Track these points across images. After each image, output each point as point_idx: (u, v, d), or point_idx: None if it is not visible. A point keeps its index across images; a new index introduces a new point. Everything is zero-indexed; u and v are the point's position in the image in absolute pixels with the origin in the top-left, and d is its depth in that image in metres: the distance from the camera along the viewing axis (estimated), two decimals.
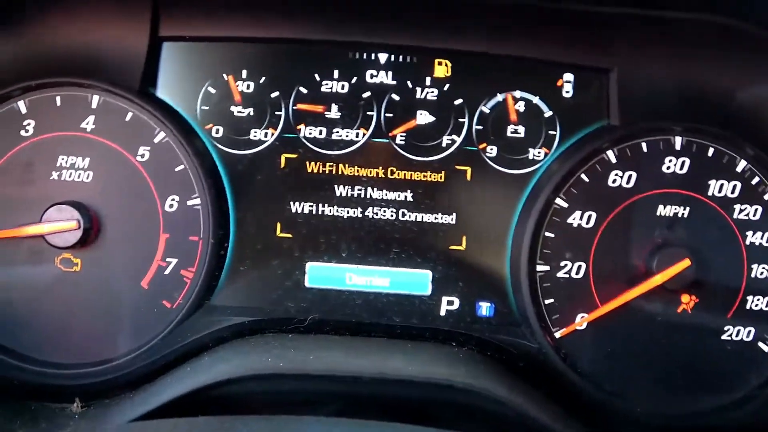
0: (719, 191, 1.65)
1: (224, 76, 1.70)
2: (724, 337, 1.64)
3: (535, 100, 1.71)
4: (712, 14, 1.65)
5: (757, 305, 1.65)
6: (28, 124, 1.64)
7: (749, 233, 1.65)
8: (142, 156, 1.64)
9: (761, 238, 1.65)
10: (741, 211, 1.65)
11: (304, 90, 1.70)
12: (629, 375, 1.64)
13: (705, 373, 1.64)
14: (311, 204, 1.70)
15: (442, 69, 1.70)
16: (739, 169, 1.65)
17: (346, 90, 1.71)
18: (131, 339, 1.64)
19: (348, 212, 1.70)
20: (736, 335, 1.65)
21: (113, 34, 1.67)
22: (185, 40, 1.70)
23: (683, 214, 1.64)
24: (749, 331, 1.65)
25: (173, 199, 1.65)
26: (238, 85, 1.70)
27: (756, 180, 1.65)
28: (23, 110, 1.63)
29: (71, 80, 1.64)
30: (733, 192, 1.65)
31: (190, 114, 1.70)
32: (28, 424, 1.52)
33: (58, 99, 1.64)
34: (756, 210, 1.65)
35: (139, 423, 1.35)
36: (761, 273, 1.65)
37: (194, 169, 1.64)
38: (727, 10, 1.64)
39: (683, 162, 1.65)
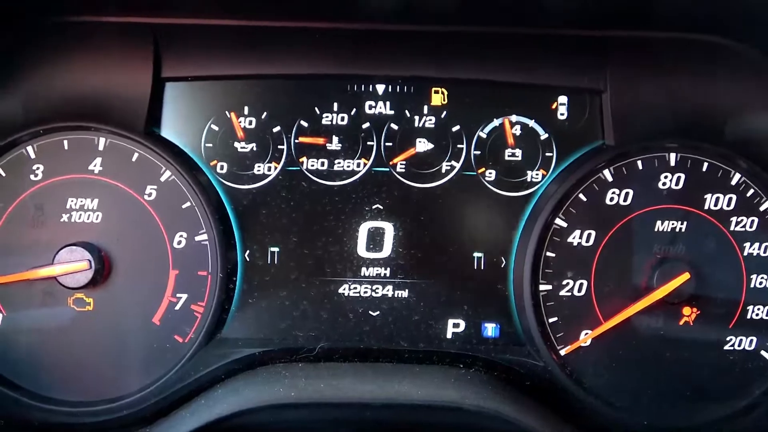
0: (715, 205, 1.68)
1: (226, 113, 1.73)
2: (726, 347, 1.67)
3: (531, 123, 1.74)
4: (700, 34, 1.71)
5: (757, 314, 1.68)
6: (37, 169, 1.67)
7: (747, 244, 1.68)
8: (150, 195, 1.68)
9: (759, 249, 1.68)
10: (738, 223, 1.68)
11: (305, 123, 1.74)
12: (635, 389, 1.67)
13: (709, 383, 1.67)
14: (316, 233, 1.73)
15: (438, 97, 1.74)
16: (733, 182, 1.68)
17: (346, 122, 1.74)
18: (145, 375, 1.67)
19: (351, 240, 1.73)
20: (739, 345, 1.67)
21: (117, 78, 1.70)
22: (187, 80, 1.74)
23: (681, 228, 1.68)
24: (751, 341, 1.67)
25: (181, 236, 1.68)
26: (240, 122, 1.73)
27: (751, 192, 1.68)
28: (32, 155, 1.67)
29: (78, 124, 1.67)
30: (728, 205, 1.68)
31: (195, 151, 1.73)
32: None
33: (65, 143, 1.67)
34: (752, 221, 1.68)
35: None
36: (760, 283, 1.68)
37: (200, 205, 1.67)
38: (715, 29, 1.70)
39: (678, 178, 1.68)
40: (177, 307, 1.68)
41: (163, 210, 1.68)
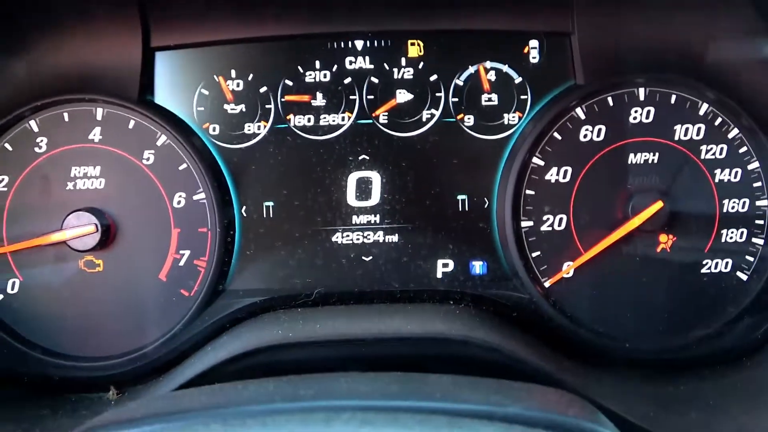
0: (685, 135, 1.74)
1: (215, 77, 1.81)
2: (703, 270, 1.74)
3: (505, 68, 1.80)
4: None
5: (731, 237, 1.74)
6: (41, 141, 1.75)
7: (717, 171, 1.74)
8: (148, 159, 1.76)
9: (729, 175, 1.74)
10: (708, 151, 1.74)
11: (289, 82, 1.81)
12: (616, 315, 1.75)
13: (688, 306, 1.74)
14: (306, 186, 1.81)
15: (415, 49, 1.81)
16: (701, 112, 1.74)
17: (328, 78, 1.81)
18: (155, 328, 1.76)
19: (340, 190, 1.81)
20: (715, 268, 1.74)
21: (109, 50, 1.78)
22: (175, 48, 1.81)
23: (653, 160, 1.74)
24: (727, 263, 1.74)
25: (180, 196, 1.76)
26: (228, 85, 1.81)
27: (719, 121, 1.74)
28: (35, 128, 1.75)
29: (76, 96, 1.75)
30: (698, 134, 1.74)
31: (188, 116, 1.81)
32: (69, 414, 1.64)
33: (65, 115, 1.76)
34: (722, 149, 1.74)
35: (163, 394, 1.46)
36: (732, 207, 1.74)
37: (196, 166, 1.75)
38: None
39: (648, 111, 1.75)
40: (181, 263, 1.77)
41: (162, 173, 1.76)
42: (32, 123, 1.76)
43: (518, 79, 1.81)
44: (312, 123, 1.81)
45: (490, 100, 1.81)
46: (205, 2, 1.79)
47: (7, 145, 1.75)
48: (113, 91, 1.76)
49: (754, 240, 1.74)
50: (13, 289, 1.76)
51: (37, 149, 1.76)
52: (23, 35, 1.77)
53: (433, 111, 1.81)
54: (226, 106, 1.81)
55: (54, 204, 1.75)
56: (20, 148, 1.76)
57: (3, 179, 1.75)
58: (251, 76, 1.81)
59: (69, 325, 1.77)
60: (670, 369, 1.72)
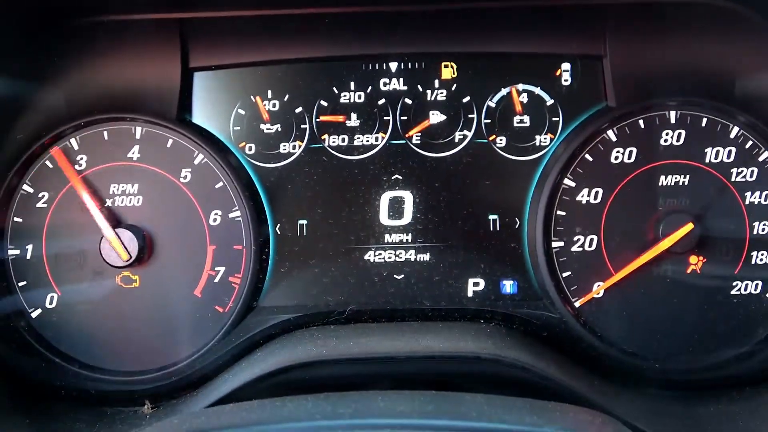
0: (716, 157, 1.76)
1: (252, 97, 1.84)
2: (733, 292, 1.75)
3: (537, 90, 1.83)
4: None
5: (762, 259, 1.75)
6: (81, 159, 1.79)
7: (748, 194, 1.75)
8: (185, 177, 1.79)
9: (760, 197, 1.75)
10: (738, 174, 1.75)
11: (324, 103, 1.84)
12: (646, 335, 1.75)
13: (717, 327, 1.74)
14: (340, 205, 1.83)
15: (448, 71, 1.84)
16: (732, 135, 1.75)
17: (362, 99, 1.84)
18: (190, 344, 1.79)
19: (373, 209, 1.84)
20: (745, 289, 1.75)
21: (149, 71, 1.82)
22: (214, 69, 1.85)
23: (684, 182, 1.76)
24: (756, 285, 1.75)
25: (216, 214, 1.79)
26: (264, 105, 1.84)
27: (750, 144, 1.75)
28: (76, 146, 1.79)
29: (116, 116, 1.79)
30: (729, 157, 1.75)
31: (224, 135, 1.84)
32: (105, 428, 1.67)
33: (105, 133, 1.79)
34: (752, 171, 1.75)
35: (203, 410, 1.48)
36: (762, 229, 1.75)
37: (232, 184, 1.78)
38: None
39: (679, 134, 1.76)
40: (216, 280, 1.79)
41: (198, 191, 1.79)
42: (72, 141, 1.79)
43: (550, 101, 1.83)
44: (346, 143, 1.84)
45: (522, 121, 1.83)
46: (243, 24, 1.82)
47: (47, 163, 1.79)
48: (152, 110, 1.80)
49: None
50: (51, 303, 1.79)
51: (77, 167, 1.79)
52: (66, 57, 1.81)
53: (465, 132, 1.83)
54: (262, 126, 1.84)
55: (92, 221, 1.77)
56: (61, 166, 1.79)
57: (43, 196, 1.78)
58: (287, 96, 1.84)
59: (105, 340, 1.80)
60: (700, 389, 1.73)
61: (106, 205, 1.79)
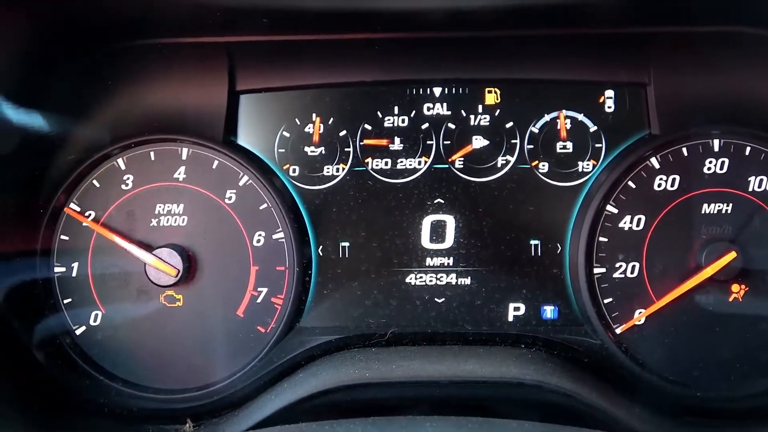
0: (759, 186, 1.75)
1: (297, 120, 1.86)
2: None
3: (580, 117, 1.84)
4: (739, 26, 1.78)
5: None
6: (128, 179, 1.81)
7: None
8: (230, 198, 1.81)
9: None
10: None
11: (368, 126, 1.85)
12: (687, 363, 1.75)
13: (759, 356, 1.73)
14: (382, 228, 1.85)
15: (491, 96, 1.85)
16: None
17: (406, 123, 1.85)
18: (231, 363, 1.80)
19: (415, 233, 1.85)
20: None
21: (196, 93, 1.84)
22: (259, 92, 1.86)
23: (726, 210, 1.75)
24: None
25: (260, 235, 1.81)
26: (309, 128, 1.86)
27: None
28: (122, 166, 1.81)
29: (163, 137, 1.81)
30: None
31: (269, 157, 1.85)
32: None
33: (152, 154, 1.81)
34: None
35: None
36: None
37: (276, 206, 1.80)
38: (754, 22, 1.77)
39: (722, 162, 1.76)
40: (258, 300, 1.81)
41: (243, 212, 1.81)
42: (120, 161, 1.82)
43: (593, 128, 1.83)
44: (389, 166, 1.85)
45: (564, 147, 1.84)
46: (289, 49, 1.84)
47: (95, 182, 1.81)
48: (199, 132, 1.82)
49: None
50: (95, 321, 1.81)
51: (123, 186, 1.81)
52: (115, 78, 1.84)
53: (508, 157, 1.84)
54: (306, 149, 1.86)
55: (138, 239, 1.80)
56: (107, 185, 1.82)
57: (90, 215, 1.81)
58: (332, 119, 1.86)
59: (148, 358, 1.82)
60: (741, 418, 1.73)
61: (151, 225, 1.81)
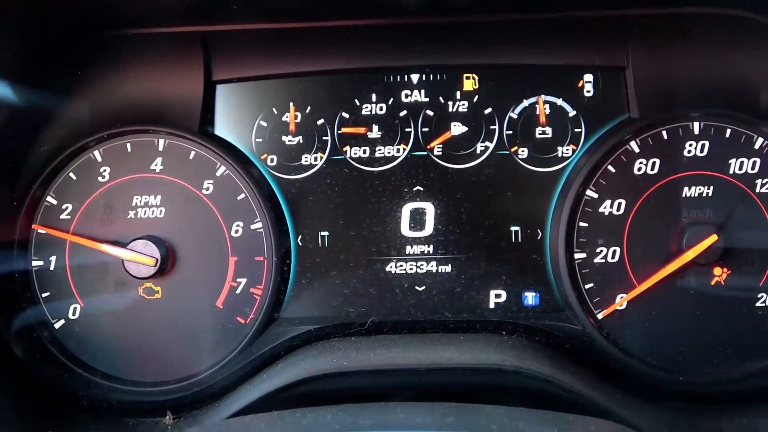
0: (740, 169, 1.74)
1: (274, 109, 1.85)
2: (758, 304, 1.73)
3: (559, 102, 1.82)
4: (718, 8, 1.76)
5: None
6: (105, 171, 1.80)
7: None
8: (207, 189, 1.80)
9: None
10: (762, 185, 1.74)
11: (346, 115, 1.84)
12: (670, 347, 1.74)
13: (742, 339, 1.73)
14: (361, 217, 1.83)
15: (470, 83, 1.84)
16: (756, 146, 1.74)
17: (384, 111, 1.84)
18: (211, 354, 1.79)
19: (394, 221, 1.84)
20: None
21: (172, 83, 1.83)
22: (236, 82, 1.85)
23: (708, 193, 1.74)
24: None
25: (238, 225, 1.80)
26: (286, 117, 1.85)
27: None
28: (99, 158, 1.80)
29: (139, 128, 1.80)
30: (753, 168, 1.74)
31: (246, 147, 1.85)
32: None
33: (128, 145, 1.80)
34: None
35: (224, 421, 1.49)
36: None
37: (254, 196, 1.79)
38: (732, 2, 1.75)
39: (703, 145, 1.75)
40: (238, 291, 1.80)
41: (220, 202, 1.80)
42: (96, 153, 1.81)
43: (572, 113, 1.82)
44: (368, 155, 1.84)
45: (544, 133, 1.82)
46: (265, 37, 1.84)
47: (71, 175, 1.81)
48: (175, 122, 1.81)
49: None
50: (74, 314, 1.80)
51: (100, 178, 1.81)
52: (90, 69, 1.83)
53: (487, 143, 1.83)
54: (284, 138, 1.85)
55: (115, 232, 1.79)
56: (84, 178, 1.81)
57: (67, 207, 1.80)
58: (309, 108, 1.85)
59: (128, 351, 1.81)
60: (724, 402, 1.71)
61: (129, 216, 1.80)
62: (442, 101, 1.84)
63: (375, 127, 1.84)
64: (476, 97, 1.84)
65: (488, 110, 1.83)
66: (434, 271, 1.83)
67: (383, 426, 1.24)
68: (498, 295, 1.82)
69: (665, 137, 1.76)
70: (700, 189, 1.75)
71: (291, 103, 1.85)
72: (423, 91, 1.84)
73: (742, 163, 1.74)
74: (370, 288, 1.83)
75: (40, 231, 1.80)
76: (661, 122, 1.76)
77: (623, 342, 1.75)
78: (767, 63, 1.79)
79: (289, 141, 1.85)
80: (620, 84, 1.82)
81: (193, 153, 1.81)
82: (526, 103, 1.83)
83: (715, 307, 1.74)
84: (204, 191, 1.80)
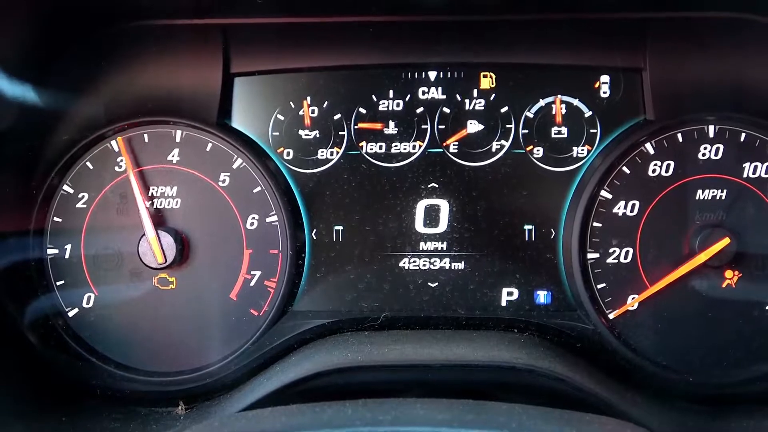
0: (753, 172, 1.75)
1: (291, 103, 1.85)
2: None
3: (576, 102, 1.83)
4: (735, 12, 1.78)
5: None
6: (121, 161, 1.80)
7: None
8: (223, 181, 1.81)
9: None
10: None
11: (363, 110, 1.85)
12: (681, 349, 1.75)
13: (752, 342, 1.74)
14: (376, 212, 1.84)
15: (487, 81, 1.84)
16: None
17: (401, 107, 1.85)
18: (225, 346, 1.80)
19: (409, 217, 1.85)
20: None
21: (191, 75, 1.83)
22: (254, 75, 1.86)
23: (721, 196, 1.76)
24: None
25: (253, 218, 1.81)
26: (302, 111, 1.85)
27: None
28: (116, 148, 1.81)
29: (157, 119, 1.81)
30: (766, 172, 1.75)
31: (263, 140, 1.85)
32: (140, 428, 1.68)
33: (146, 136, 1.81)
34: None
35: (243, 413, 1.49)
36: None
37: (270, 189, 1.80)
38: (748, 6, 1.76)
39: (717, 148, 1.76)
40: (252, 284, 1.81)
41: (236, 195, 1.81)
42: (113, 143, 1.81)
43: (588, 113, 1.83)
44: (384, 150, 1.85)
45: (559, 132, 1.83)
46: (284, 31, 1.84)
47: (88, 164, 1.81)
48: (193, 114, 1.81)
49: None
50: (88, 303, 1.81)
51: (117, 168, 1.81)
52: (109, 60, 1.83)
53: (502, 142, 1.84)
54: (300, 132, 1.85)
55: (131, 222, 1.80)
56: (101, 167, 1.82)
57: (83, 197, 1.81)
58: (326, 103, 1.85)
59: (141, 341, 1.82)
60: (733, 404, 1.72)
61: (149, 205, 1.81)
62: (459, 99, 1.85)
63: (391, 123, 1.85)
64: (493, 95, 1.84)
65: (504, 109, 1.84)
66: (447, 267, 1.84)
67: (403, 421, 1.25)
68: (510, 293, 1.83)
69: (680, 140, 1.77)
70: (713, 192, 1.76)
71: (308, 98, 1.85)
72: (440, 89, 1.85)
73: (756, 167, 1.75)
74: (383, 283, 1.84)
75: (56, 219, 1.80)
76: (676, 125, 1.77)
77: (634, 342, 1.76)
78: None
79: (305, 135, 1.85)
80: (637, 86, 1.82)
81: (210, 145, 1.81)
82: (542, 102, 1.84)
83: (726, 309, 1.75)
84: (220, 183, 1.81)
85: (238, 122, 1.86)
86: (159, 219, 1.80)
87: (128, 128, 1.81)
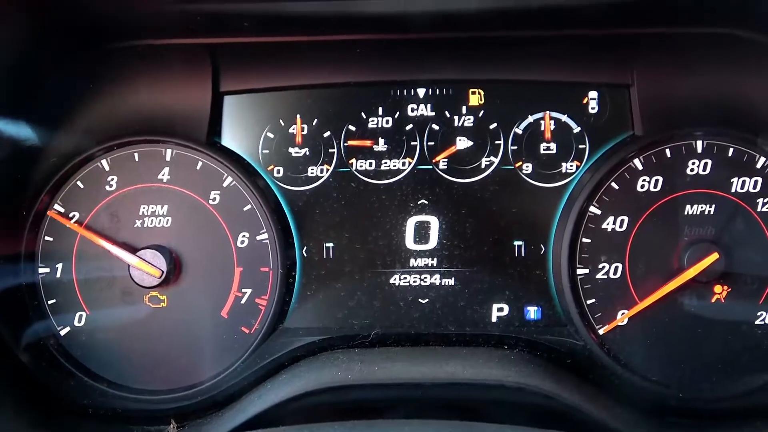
0: (742, 187, 1.76)
1: (281, 121, 1.86)
2: (757, 322, 1.74)
3: (564, 118, 1.84)
4: (722, 28, 1.78)
5: None
6: (112, 180, 1.81)
7: None
8: (214, 199, 1.81)
9: None
10: (764, 204, 1.75)
11: (352, 128, 1.85)
12: (670, 364, 1.75)
13: (741, 357, 1.74)
14: (366, 229, 1.85)
15: (475, 98, 1.85)
16: (758, 165, 1.75)
17: (390, 124, 1.85)
18: (216, 364, 1.80)
19: (399, 234, 1.85)
20: None
21: (180, 94, 1.84)
22: (243, 93, 1.86)
23: (709, 211, 1.76)
24: None
25: (244, 236, 1.81)
26: (293, 129, 1.86)
27: None
28: (107, 168, 1.81)
29: (147, 138, 1.81)
30: (755, 187, 1.75)
31: (253, 158, 1.85)
32: None
33: (136, 155, 1.81)
34: None
35: None
36: None
37: (260, 207, 1.80)
38: (735, 22, 1.77)
39: (705, 163, 1.76)
40: (243, 301, 1.81)
41: (227, 213, 1.81)
42: (104, 162, 1.81)
43: (577, 129, 1.83)
44: (373, 167, 1.85)
45: (548, 148, 1.84)
46: (273, 50, 1.85)
47: (79, 183, 1.81)
48: (183, 133, 1.82)
49: None
50: (79, 322, 1.81)
51: (107, 187, 1.81)
52: (99, 80, 1.84)
53: (492, 158, 1.84)
54: (290, 150, 1.86)
55: (122, 241, 1.80)
56: (91, 187, 1.82)
57: (74, 216, 1.81)
58: (316, 121, 1.86)
59: (133, 359, 1.82)
60: (723, 419, 1.73)
61: (135, 226, 1.81)
62: (448, 116, 1.85)
63: (381, 140, 1.85)
64: (482, 112, 1.85)
65: (493, 125, 1.85)
66: (438, 284, 1.84)
67: None
68: (500, 309, 1.83)
69: (668, 155, 1.77)
70: (702, 207, 1.76)
71: (298, 115, 1.86)
72: (429, 106, 1.85)
73: (744, 181, 1.76)
74: (374, 300, 1.85)
75: (47, 239, 1.81)
76: (664, 140, 1.77)
77: (624, 357, 1.76)
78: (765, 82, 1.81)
79: (295, 153, 1.86)
80: (625, 101, 1.83)
81: (200, 163, 1.82)
82: (531, 118, 1.84)
83: (715, 324, 1.75)
84: (211, 201, 1.81)
85: (228, 140, 1.86)
86: (150, 238, 1.81)
87: (118, 147, 1.81)
